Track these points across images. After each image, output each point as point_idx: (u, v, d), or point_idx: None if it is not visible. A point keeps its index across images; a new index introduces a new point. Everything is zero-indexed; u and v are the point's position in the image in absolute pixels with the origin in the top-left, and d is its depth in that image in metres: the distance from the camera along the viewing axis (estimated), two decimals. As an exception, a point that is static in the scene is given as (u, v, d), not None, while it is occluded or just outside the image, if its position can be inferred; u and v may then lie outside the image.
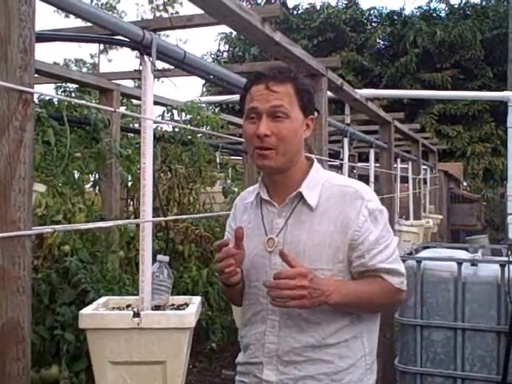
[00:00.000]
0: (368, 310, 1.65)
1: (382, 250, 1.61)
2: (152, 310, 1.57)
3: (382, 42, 21.74)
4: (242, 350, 1.75)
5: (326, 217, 1.60)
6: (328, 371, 1.58)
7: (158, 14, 30.00)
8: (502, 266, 3.49)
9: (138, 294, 1.70)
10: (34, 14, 1.37)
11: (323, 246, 1.58)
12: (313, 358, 1.59)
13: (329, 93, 3.69)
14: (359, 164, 8.56)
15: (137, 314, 1.49)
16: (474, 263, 3.63)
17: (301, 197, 1.63)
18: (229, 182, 5.90)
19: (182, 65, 2.50)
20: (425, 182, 9.13)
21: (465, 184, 15.91)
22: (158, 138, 4.00)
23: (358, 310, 1.63)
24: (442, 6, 21.28)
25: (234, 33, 19.45)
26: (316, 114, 1.72)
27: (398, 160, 7.46)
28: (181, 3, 29.60)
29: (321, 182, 1.65)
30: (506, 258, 3.55)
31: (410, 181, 7.83)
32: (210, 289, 4.05)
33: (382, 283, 1.62)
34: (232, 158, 7.39)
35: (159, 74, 2.37)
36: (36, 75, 3.01)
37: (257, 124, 1.58)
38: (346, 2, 22.39)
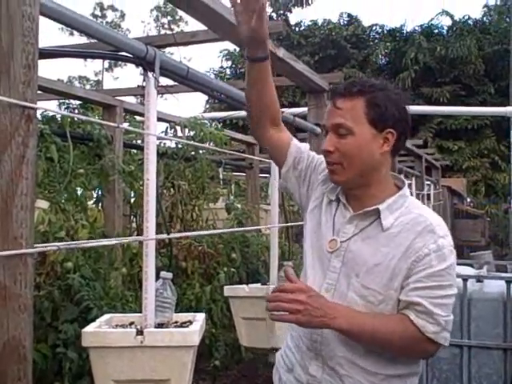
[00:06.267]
0: (385, 349, 1.53)
1: (432, 287, 1.49)
2: (155, 327, 1.54)
3: (383, 59, 21.86)
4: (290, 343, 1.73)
5: (393, 241, 1.54)
6: None
7: (162, 32, 30.30)
8: (508, 282, 3.46)
9: (141, 311, 1.68)
10: (37, 29, 1.37)
11: (382, 267, 1.52)
12: (354, 376, 1.53)
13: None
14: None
15: (140, 332, 1.47)
16: (479, 279, 3.60)
17: (378, 215, 1.58)
18: (232, 198, 5.88)
19: (186, 81, 2.50)
20: (428, 198, 9.11)
21: (468, 200, 15.87)
22: (161, 154, 3.99)
23: (372, 346, 1.53)
24: (445, 21, 21.45)
25: (237, 49, 19.55)
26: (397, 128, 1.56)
27: (402, 176, 7.45)
28: (186, 22, 29.96)
29: (402, 208, 1.59)
30: (512, 274, 3.52)
31: (414, 196, 7.81)
32: (213, 306, 4.02)
33: (407, 325, 1.49)
34: (235, 174, 7.39)
35: (163, 90, 2.36)
36: (39, 92, 3.02)
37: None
38: (347, 19, 22.56)
